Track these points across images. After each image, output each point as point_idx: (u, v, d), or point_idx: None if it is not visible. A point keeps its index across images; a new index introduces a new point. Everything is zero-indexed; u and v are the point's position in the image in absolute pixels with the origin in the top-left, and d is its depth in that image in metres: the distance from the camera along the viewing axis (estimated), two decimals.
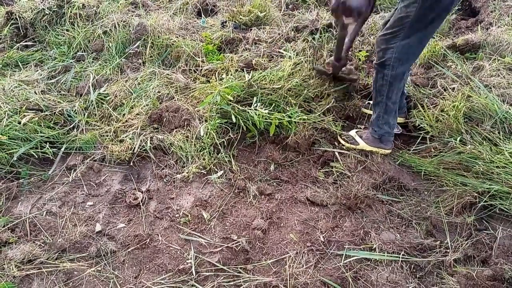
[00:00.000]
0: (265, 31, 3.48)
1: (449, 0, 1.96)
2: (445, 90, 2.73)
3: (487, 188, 2.12)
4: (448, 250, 1.95)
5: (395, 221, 2.15)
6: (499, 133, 2.36)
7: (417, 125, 2.59)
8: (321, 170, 2.44)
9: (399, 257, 1.93)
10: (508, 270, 1.80)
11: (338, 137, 2.61)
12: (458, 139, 2.38)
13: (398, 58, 2.17)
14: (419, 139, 2.55)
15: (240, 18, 3.61)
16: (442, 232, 2.07)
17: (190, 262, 1.90)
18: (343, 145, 2.56)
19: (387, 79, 2.26)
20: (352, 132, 2.59)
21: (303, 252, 1.97)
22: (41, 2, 3.43)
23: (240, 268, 1.90)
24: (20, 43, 3.31)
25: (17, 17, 3.35)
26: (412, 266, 1.92)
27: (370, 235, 2.05)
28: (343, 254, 1.96)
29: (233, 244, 1.99)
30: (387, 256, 1.94)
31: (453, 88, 2.71)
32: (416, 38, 2.10)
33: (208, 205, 2.20)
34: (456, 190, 2.18)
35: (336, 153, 2.49)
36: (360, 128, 2.67)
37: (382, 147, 2.48)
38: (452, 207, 2.14)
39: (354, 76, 2.82)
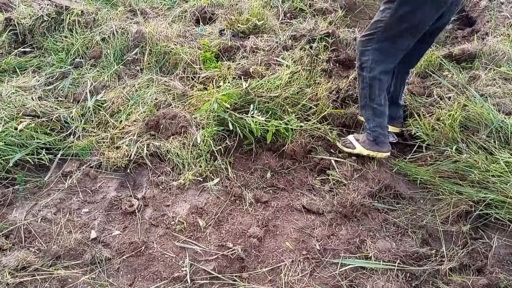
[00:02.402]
0: (263, 39, 3.50)
1: (423, 15, 2.06)
2: (441, 99, 2.75)
3: (482, 197, 2.12)
4: (443, 259, 1.95)
5: (391, 229, 2.15)
6: (494, 142, 2.37)
7: (413, 133, 2.60)
8: (317, 178, 2.44)
9: (395, 266, 1.92)
10: (503, 279, 1.80)
11: (336, 142, 2.62)
12: (454, 148, 2.38)
13: (373, 60, 2.26)
14: (415, 147, 2.56)
15: (238, 26, 3.62)
16: (437, 241, 2.07)
17: (185, 270, 1.89)
18: (341, 149, 2.58)
19: (366, 81, 2.33)
20: (350, 136, 2.61)
21: (299, 260, 1.97)
22: (40, 9, 3.44)
23: (236, 276, 1.89)
24: (18, 49, 3.31)
25: (16, 23, 3.35)
26: (408, 274, 1.91)
27: (366, 243, 2.05)
28: (338, 263, 1.96)
29: (228, 252, 1.98)
30: (382, 264, 1.94)
31: (449, 97, 2.73)
32: (390, 43, 2.20)
33: (204, 213, 2.19)
34: (452, 199, 2.18)
35: (333, 161, 2.49)
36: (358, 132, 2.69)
37: (379, 150, 2.48)
38: (447, 216, 2.14)
39: None
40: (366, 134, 2.50)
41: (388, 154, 2.51)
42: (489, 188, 2.16)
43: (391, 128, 2.67)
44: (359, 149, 2.51)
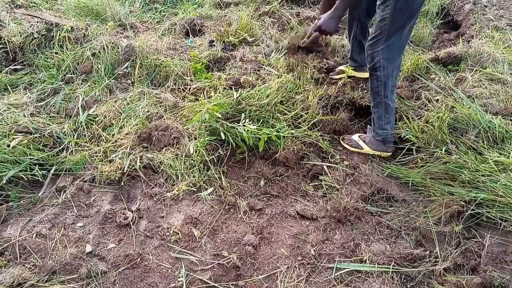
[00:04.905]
0: (252, 50, 3.53)
1: (418, 1, 2.22)
2: (429, 101, 2.79)
3: (473, 197, 2.15)
4: (437, 260, 1.97)
5: (384, 232, 2.17)
6: (483, 142, 2.41)
7: (403, 136, 2.63)
8: (310, 184, 2.46)
9: (390, 268, 1.94)
10: (497, 277, 1.82)
11: (341, 141, 2.73)
12: (444, 149, 2.42)
13: (386, 58, 2.35)
14: (406, 150, 2.59)
15: (228, 38, 3.66)
16: (431, 242, 2.09)
17: (181, 280, 1.90)
18: (348, 149, 2.67)
19: (381, 79, 2.42)
20: (355, 137, 2.70)
21: (294, 266, 1.98)
22: (30, 26, 3.46)
23: (232, 284, 1.90)
24: (9, 67, 3.32)
25: (6, 41, 3.37)
26: (403, 276, 1.93)
27: (361, 247, 2.07)
28: (334, 267, 1.97)
29: (224, 260, 1.99)
30: (377, 267, 1.95)
31: (437, 100, 2.77)
32: (397, 37, 2.31)
33: (199, 222, 2.20)
34: (444, 200, 2.21)
35: (325, 167, 2.51)
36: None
37: (384, 150, 2.61)
38: (440, 217, 2.17)
39: (320, 47, 3.10)
40: (374, 134, 2.60)
41: (391, 153, 2.64)
42: (479, 188, 2.19)
43: (361, 75, 3.11)
44: (366, 150, 2.63)
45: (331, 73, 3.31)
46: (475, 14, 4.03)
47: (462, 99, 2.69)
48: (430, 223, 2.16)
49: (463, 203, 2.16)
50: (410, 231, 2.15)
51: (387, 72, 2.39)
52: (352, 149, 2.66)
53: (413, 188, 2.41)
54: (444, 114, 2.54)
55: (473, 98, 2.73)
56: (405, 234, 2.14)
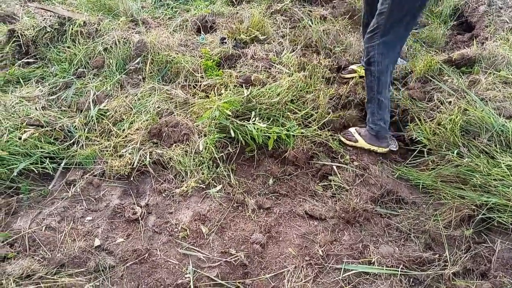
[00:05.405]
0: (263, 48, 3.52)
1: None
2: (441, 103, 2.76)
3: (485, 201, 2.12)
4: (447, 264, 1.95)
5: (393, 234, 2.15)
6: (496, 146, 2.38)
7: (414, 138, 2.61)
8: (319, 184, 2.45)
9: (398, 271, 1.92)
10: (507, 283, 1.80)
11: (340, 136, 2.72)
12: (455, 152, 2.39)
13: (380, 54, 2.36)
14: (417, 152, 2.57)
15: (239, 36, 3.66)
16: (440, 246, 2.07)
17: (189, 277, 1.90)
18: (344, 142, 2.68)
19: (375, 75, 2.43)
20: (352, 129, 2.71)
21: (302, 266, 1.97)
22: (43, 20, 3.48)
23: (239, 282, 1.89)
24: (22, 60, 3.35)
25: (19, 35, 3.39)
26: (411, 280, 1.91)
27: (369, 248, 2.05)
28: (341, 268, 1.96)
29: (231, 258, 1.99)
30: (386, 269, 1.94)
31: (450, 102, 2.74)
32: (394, 34, 2.31)
33: (207, 220, 2.20)
34: (454, 203, 2.18)
35: (334, 167, 2.50)
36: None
37: (378, 145, 2.60)
38: (450, 220, 2.14)
39: None
40: (368, 128, 2.61)
41: (388, 150, 2.61)
42: (491, 192, 2.16)
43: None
44: (361, 142, 2.62)
45: (342, 72, 3.29)
46: (489, 15, 3.98)
47: (475, 101, 2.65)
48: (440, 227, 2.14)
49: (474, 207, 2.13)
50: (419, 234, 2.14)
51: (381, 67, 2.40)
52: (348, 142, 2.66)
53: (424, 191, 2.39)
54: (457, 117, 2.51)
55: (487, 101, 2.69)
56: (414, 237, 2.12)
